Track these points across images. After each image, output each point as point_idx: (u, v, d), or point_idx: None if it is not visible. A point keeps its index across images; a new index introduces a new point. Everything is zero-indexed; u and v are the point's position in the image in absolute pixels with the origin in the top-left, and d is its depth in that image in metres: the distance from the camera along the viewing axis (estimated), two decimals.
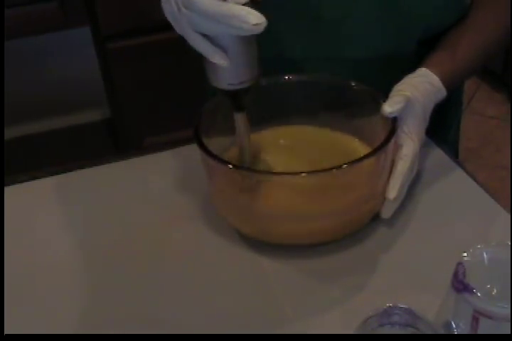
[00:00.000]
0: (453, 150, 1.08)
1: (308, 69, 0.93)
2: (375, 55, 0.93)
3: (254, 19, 0.63)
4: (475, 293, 0.60)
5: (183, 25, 0.68)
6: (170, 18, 0.70)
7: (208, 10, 0.64)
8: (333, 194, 0.78)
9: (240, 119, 0.78)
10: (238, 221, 0.82)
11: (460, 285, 0.61)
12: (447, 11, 0.91)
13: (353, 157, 0.76)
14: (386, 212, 0.81)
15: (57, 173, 0.96)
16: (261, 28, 0.64)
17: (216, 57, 0.68)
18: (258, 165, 0.85)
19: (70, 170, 0.96)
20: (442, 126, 1.02)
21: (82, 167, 0.97)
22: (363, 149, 0.85)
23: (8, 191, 0.92)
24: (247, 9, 0.64)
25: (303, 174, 0.75)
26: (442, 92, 0.86)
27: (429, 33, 0.92)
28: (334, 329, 0.70)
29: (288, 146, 0.89)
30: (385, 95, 0.81)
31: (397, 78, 0.84)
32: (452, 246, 0.71)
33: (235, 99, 0.76)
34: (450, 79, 0.87)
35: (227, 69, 0.71)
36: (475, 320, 0.61)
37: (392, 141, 0.77)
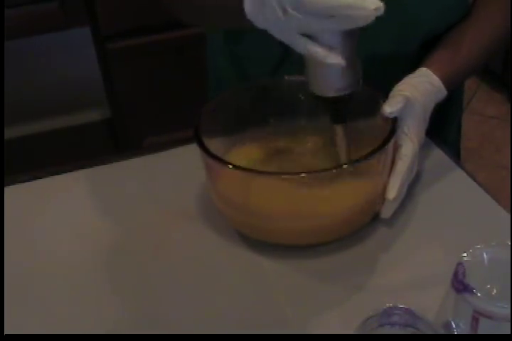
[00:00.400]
0: (454, 151, 1.08)
1: None
2: (376, 55, 0.93)
3: (373, 4, 0.61)
4: (475, 293, 0.60)
5: (287, 30, 0.65)
6: (270, 25, 0.66)
7: (324, 4, 0.61)
8: (333, 194, 0.78)
9: (340, 131, 0.76)
10: (238, 221, 0.82)
11: (460, 285, 0.61)
12: (450, 11, 0.91)
13: (353, 157, 0.76)
14: (386, 212, 0.81)
15: (57, 173, 0.96)
16: (381, 11, 0.61)
17: (331, 58, 0.65)
18: (260, 166, 0.85)
19: (70, 170, 0.96)
20: (442, 126, 1.02)
21: (82, 167, 0.97)
22: (362, 149, 0.85)
23: (8, 191, 0.92)
24: None
25: (303, 174, 0.75)
26: (443, 92, 0.86)
27: (431, 34, 0.92)
28: (334, 329, 0.70)
29: (288, 147, 0.89)
30: (386, 95, 0.81)
31: (398, 78, 0.84)
32: (452, 246, 0.71)
33: (340, 107, 0.73)
34: (450, 79, 0.87)
35: (335, 74, 0.68)
36: (475, 320, 0.61)
37: (392, 141, 0.77)
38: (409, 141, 0.80)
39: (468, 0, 0.91)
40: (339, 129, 0.76)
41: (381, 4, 0.62)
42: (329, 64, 0.66)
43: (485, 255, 0.64)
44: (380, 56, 0.93)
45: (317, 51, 0.65)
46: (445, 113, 1.00)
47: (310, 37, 0.65)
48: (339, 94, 0.70)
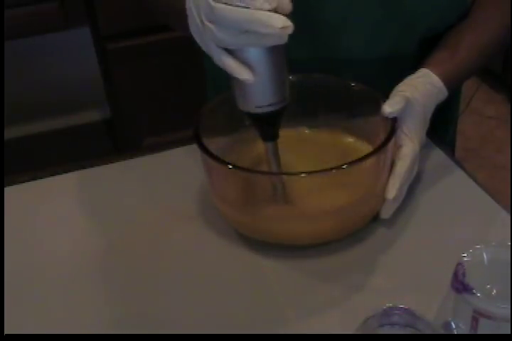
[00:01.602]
0: (450, 150, 1.08)
1: (308, 69, 0.93)
2: (376, 55, 0.93)
3: (279, 22, 0.60)
4: (475, 294, 0.60)
5: (207, 41, 0.66)
6: (193, 34, 0.67)
7: (232, 18, 0.61)
8: (333, 194, 0.78)
9: (270, 149, 0.74)
10: (238, 221, 0.82)
11: (460, 285, 0.61)
12: (449, 10, 0.91)
13: (353, 157, 0.76)
14: (385, 212, 0.81)
15: (57, 173, 0.96)
16: (288, 32, 0.61)
17: (241, 73, 0.65)
18: (260, 166, 0.85)
19: (70, 171, 0.96)
20: (440, 126, 1.02)
21: (82, 167, 0.97)
22: (363, 149, 0.85)
23: (8, 191, 0.92)
24: (272, 14, 0.61)
25: (303, 174, 0.75)
26: (443, 93, 0.86)
27: (430, 33, 0.92)
28: (334, 329, 0.70)
29: (288, 147, 0.89)
30: (386, 95, 0.81)
31: (398, 78, 0.84)
32: (452, 247, 0.71)
33: (264, 125, 0.72)
34: (451, 79, 0.87)
35: (254, 90, 0.67)
36: (475, 320, 0.61)
37: (392, 141, 0.77)
38: (410, 142, 0.80)
39: (466, 0, 0.91)
40: (268, 146, 0.74)
41: (289, 23, 0.61)
42: (239, 79, 0.65)
43: (485, 255, 0.64)
44: (380, 56, 0.93)
45: (229, 65, 0.65)
46: (444, 113, 1.00)
47: (230, 50, 0.65)
48: (261, 111, 0.68)
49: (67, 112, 2.21)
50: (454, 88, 0.89)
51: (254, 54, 0.65)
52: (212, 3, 0.62)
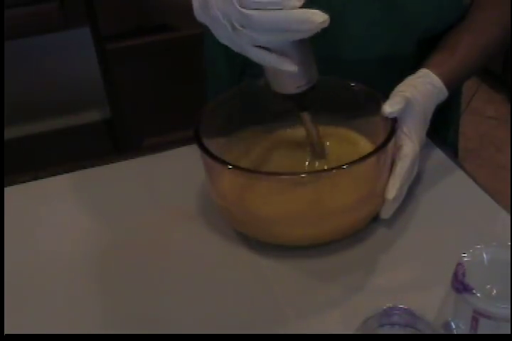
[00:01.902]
0: (452, 151, 1.08)
1: None
2: (375, 55, 0.93)
3: (320, 17, 0.64)
4: (475, 294, 0.60)
5: (241, 44, 0.67)
6: (225, 41, 0.69)
7: (271, 22, 0.64)
8: (333, 194, 0.78)
9: (306, 117, 0.80)
10: (238, 221, 0.82)
11: (460, 285, 0.61)
12: (447, 10, 0.91)
13: (354, 157, 0.76)
14: (386, 212, 0.81)
15: (57, 174, 0.96)
16: (327, 23, 0.65)
17: (285, 66, 0.69)
18: (260, 166, 0.85)
19: (70, 171, 0.96)
20: (441, 126, 1.02)
21: (82, 167, 0.97)
22: (365, 147, 0.85)
23: (9, 191, 0.92)
24: (308, 10, 0.64)
25: (303, 174, 0.75)
26: (444, 93, 0.86)
27: (429, 33, 0.92)
28: (334, 329, 0.70)
29: (288, 147, 0.89)
30: (385, 95, 0.81)
31: (397, 78, 0.84)
32: (452, 247, 0.71)
33: (301, 100, 0.77)
34: (451, 79, 0.87)
35: (293, 75, 0.72)
36: (475, 320, 0.61)
37: (392, 141, 0.77)
38: (410, 142, 0.80)
39: (465, 0, 0.91)
40: (306, 116, 0.80)
41: (327, 17, 0.65)
42: (284, 70, 0.69)
43: (485, 255, 0.64)
44: (378, 56, 0.93)
45: (271, 60, 0.69)
46: (444, 113, 1.00)
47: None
48: (299, 91, 0.75)
49: (68, 112, 2.21)
50: (454, 88, 0.89)
51: (291, 46, 0.69)
52: (245, 11, 0.64)
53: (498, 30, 0.92)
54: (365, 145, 0.86)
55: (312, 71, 0.75)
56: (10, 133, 2.13)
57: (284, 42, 0.68)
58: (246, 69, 1.00)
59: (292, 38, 0.67)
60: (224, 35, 0.68)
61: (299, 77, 0.74)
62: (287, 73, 0.71)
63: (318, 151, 0.85)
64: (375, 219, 0.82)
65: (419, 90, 0.83)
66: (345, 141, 0.88)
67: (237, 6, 0.64)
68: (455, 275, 0.62)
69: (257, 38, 0.66)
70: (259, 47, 0.68)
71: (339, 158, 0.81)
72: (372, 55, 0.93)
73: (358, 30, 0.90)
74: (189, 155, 0.91)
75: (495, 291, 0.63)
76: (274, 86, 0.76)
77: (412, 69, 0.87)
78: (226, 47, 0.97)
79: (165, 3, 1.81)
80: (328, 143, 0.87)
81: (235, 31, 0.66)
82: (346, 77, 0.86)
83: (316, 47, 0.92)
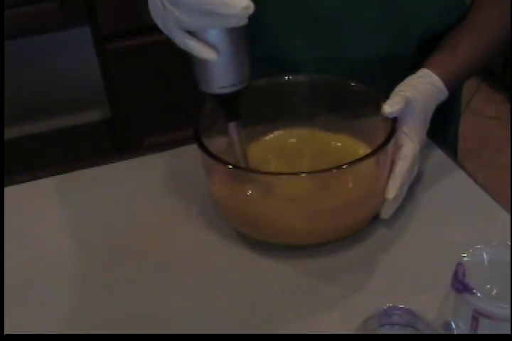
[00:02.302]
0: (452, 151, 1.08)
1: (308, 69, 0.93)
2: (375, 55, 0.93)
3: (242, 2, 0.62)
4: (475, 293, 0.60)
5: (168, 23, 0.67)
6: (155, 18, 0.69)
7: (194, 1, 0.63)
8: (333, 194, 0.78)
9: (233, 129, 0.76)
10: (238, 221, 0.82)
11: (460, 285, 0.61)
12: (448, 11, 0.91)
13: (353, 157, 0.76)
14: (385, 212, 0.81)
15: (57, 173, 0.96)
16: (250, 12, 0.63)
17: (205, 52, 0.67)
18: (260, 166, 0.85)
19: (70, 171, 0.96)
20: (441, 126, 1.02)
21: (82, 167, 0.97)
22: (362, 149, 0.85)
23: (8, 191, 0.92)
24: None
25: (303, 174, 0.75)
26: (444, 93, 0.86)
27: (429, 34, 0.92)
28: (334, 329, 0.70)
29: (288, 148, 0.89)
30: (385, 95, 0.81)
31: (398, 78, 0.84)
32: (452, 247, 0.71)
33: (227, 105, 0.74)
34: (451, 79, 0.87)
35: (217, 71, 0.69)
36: (475, 320, 0.61)
37: (392, 141, 0.77)
38: (410, 142, 0.80)
39: (466, 0, 0.91)
40: (231, 127, 0.75)
41: (250, 3, 0.63)
42: (202, 58, 0.67)
43: (485, 255, 0.64)
44: (379, 56, 0.93)
45: (193, 46, 0.67)
46: (444, 113, 1.00)
47: (191, 32, 0.67)
48: (225, 92, 0.70)
49: (68, 112, 2.21)
50: (454, 88, 0.89)
51: (216, 35, 0.67)
52: None
53: (498, 30, 0.92)
54: (363, 145, 0.86)
55: (242, 73, 0.70)
56: (10, 133, 2.14)
57: (212, 32, 0.66)
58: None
59: (216, 25, 0.65)
60: (156, 14, 0.68)
61: (224, 76, 0.69)
62: (211, 67, 0.68)
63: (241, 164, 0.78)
64: (375, 219, 0.82)
65: (420, 90, 0.83)
66: (344, 148, 0.88)
67: None
68: (455, 275, 0.62)
69: (182, 18, 0.65)
70: (187, 32, 0.66)
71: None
72: (373, 56, 0.93)
73: (358, 30, 0.90)
74: (189, 155, 0.91)
75: (495, 291, 0.63)
76: (199, 82, 0.71)
77: (413, 69, 0.87)
78: None
79: None
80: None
81: (164, 10, 0.66)
82: (346, 77, 0.86)
83: (316, 48, 0.93)
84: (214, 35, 0.67)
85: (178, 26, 0.66)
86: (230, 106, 0.74)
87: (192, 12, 0.64)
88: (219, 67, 0.69)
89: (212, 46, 0.67)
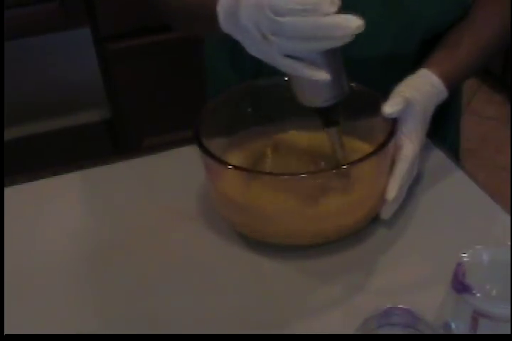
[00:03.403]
0: (453, 152, 1.08)
1: None
2: (376, 54, 0.93)
3: (354, 22, 0.62)
4: (474, 294, 0.60)
5: (271, 53, 0.66)
6: (253, 50, 0.68)
7: (305, 29, 0.62)
8: (333, 195, 0.78)
9: (335, 133, 0.77)
10: (238, 221, 0.82)
11: (460, 285, 0.61)
12: (449, 10, 0.91)
13: (353, 158, 0.76)
14: (385, 213, 0.81)
15: (57, 173, 0.96)
16: (361, 30, 0.63)
17: (317, 75, 0.66)
18: (260, 166, 0.85)
19: (70, 171, 0.96)
20: (441, 127, 1.02)
21: (82, 167, 0.97)
22: (362, 150, 0.85)
23: (8, 191, 0.92)
24: (342, 16, 0.62)
25: (303, 175, 0.75)
26: (443, 93, 0.86)
27: (430, 33, 0.92)
28: (334, 329, 0.70)
29: (288, 147, 0.89)
30: (386, 96, 0.81)
31: (398, 78, 0.84)
32: (452, 247, 0.71)
33: (330, 114, 0.75)
34: (451, 79, 0.87)
35: (322, 86, 0.70)
36: (474, 320, 0.61)
37: (392, 141, 0.77)
38: (410, 142, 0.80)
39: (467, 0, 0.91)
40: (333, 132, 0.77)
41: (362, 22, 0.63)
42: (316, 80, 0.67)
43: (485, 255, 0.64)
44: (380, 56, 0.93)
45: (302, 70, 0.66)
46: (444, 114, 1.00)
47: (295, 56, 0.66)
48: (327, 104, 0.72)
49: (67, 112, 2.20)
50: (454, 88, 0.89)
51: (322, 56, 0.67)
52: (278, 19, 0.62)
53: (498, 29, 0.92)
54: (363, 146, 0.86)
55: (342, 84, 0.72)
56: (10, 133, 2.13)
57: (315, 52, 0.66)
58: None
59: (327, 46, 0.65)
60: (253, 45, 0.67)
61: (328, 90, 0.71)
62: (316, 84, 0.69)
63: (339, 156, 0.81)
64: (375, 219, 0.82)
65: (419, 90, 0.83)
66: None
67: (270, 14, 0.62)
68: (455, 275, 0.62)
69: (289, 46, 0.64)
70: (290, 57, 0.66)
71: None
72: (374, 55, 0.93)
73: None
74: (189, 155, 0.91)
75: (495, 291, 0.63)
76: (301, 98, 0.73)
77: (413, 69, 0.87)
78: (232, 50, 0.97)
79: None
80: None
81: (265, 41, 0.65)
82: (348, 77, 0.86)
83: None
84: (317, 55, 0.66)
85: (282, 54, 0.65)
86: (332, 114, 0.75)
87: (299, 39, 0.63)
88: (324, 83, 0.69)
89: (318, 66, 0.67)
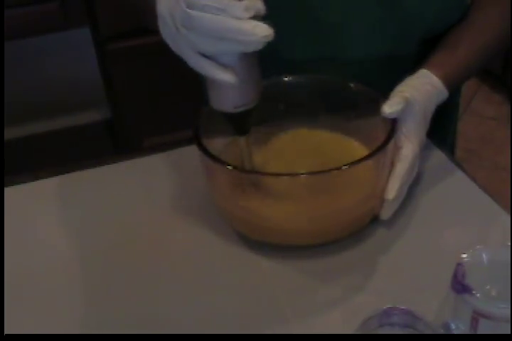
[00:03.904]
0: (450, 151, 1.08)
1: (308, 70, 0.93)
2: (375, 55, 0.93)
3: (263, 31, 0.61)
4: (474, 294, 0.60)
5: (182, 47, 0.65)
6: (168, 41, 0.67)
7: (211, 27, 0.61)
8: (333, 195, 0.78)
9: (243, 142, 0.77)
10: (238, 221, 0.82)
11: (459, 286, 0.61)
12: (448, 11, 0.91)
13: (353, 158, 0.76)
14: (385, 213, 0.81)
15: (57, 174, 0.96)
16: (268, 39, 0.61)
17: (223, 76, 0.65)
18: (260, 167, 0.85)
19: (70, 171, 0.96)
20: (441, 127, 1.02)
21: (82, 167, 0.97)
22: (362, 150, 0.85)
23: (8, 191, 0.92)
24: (253, 22, 0.61)
25: (302, 175, 0.75)
26: (444, 93, 0.86)
27: (429, 34, 0.92)
28: (334, 330, 0.71)
29: (287, 148, 0.89)
30: (385, 96, 0.81)
31: (398, 79, 0.84)
32: (452, 247, 0.71)
33: (239, 122, 0.74)
34: (451, 79, 0.87)
35: (232, 91, 0.68)
36: (474, 320, 0.61)
37: (392, 142, 0.77)
38: (409, 143, 0.80)
39: (466, 0, 0.91)
40: (241, 140, 0.77)
41: (271, 32, 0.61)
42: (221, 81, 0.66)
43: (485, 256, 0.64)
44: (379, 57, 0.93)
45: (209, 69, 0.65)
46: (444, 114, 1.00)
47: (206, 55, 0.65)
48: (237, 111, 0.71)
49: (67, 112, 2.20)
50: (454, 88, 0.89)
51: (232, 57, 0.65)
52: (189, 11, 0.62)
53: (498, 29, 0.92)
54: (363, 146, 0.86)
55: (254, 92, 0.70)
56: (10, 133, 2.13)
57: (227, 54, 0.65)
58: None
59: (234, 49, 0.64)
60: (168, 35, 0.67)
61: (238, 96, 0.69)
62: (226, 88, 0.68)
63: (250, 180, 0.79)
64: (374, 219, 0.82)
65: (419, 91, 0.83)
66: (340, 147, 0.88)
67: (183, 6, 0.62)
68: (455, 275, 0.62)
69: (198, 43, 0.63)
70: (201, 55, 0.65)
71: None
72: (373, 56, 0.93)
73: (358, 30, 0.90)
74: (189, 155, 0.91)
75: (495, 292, 0.63)
76: (212, 101, 0.71)
77: (413, 69, 0.87)
78: None
79: None
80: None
81: (178, 33, 0.64)
82: (347, 77, 0.86)
83: (316, 48, 0.93)
84: (229, 57, 0.65)
85: (192, 49, 0.65)
86: (241, 122, 0.74)
87: (208, 37, 0.63)
88: (234, 88, 0.68)
89: (227, 68, 0.65)
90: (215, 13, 0.61)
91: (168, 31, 0.66)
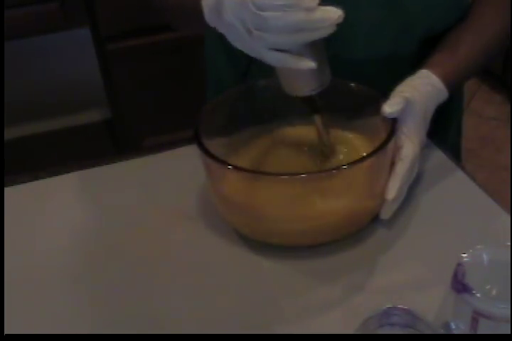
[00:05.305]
0: (454, 152, 1.08)
1: None
2: (376, 55, 0.93)
3: (334, 13, 0.65)
4: (474, 294, 0.60)
5: (256, 48, 0.67)
6: (237, 44, 0.69)
7: (286, 24, 0.64)
8: (333, 194, 0.78)
9: (318, 120, 0.81)
10: (238, 221, 0.82)
11: (460, 285, 0.61)
12: (448, 10, 0.91)
13: (353, 158, 0.76)
14: (385, 213, 0.81)
15: (57, 173, 0.96)
16: (340, 20, 0.65)
17: (301, 64, 0.69)
18: (260, 166, 0.85)
19: (70, 171, 0.96)
20: (442, 127, 1.02)
21: (82, 167, 0.97)
22: (362, 150, 0.85)
23: (9, 191, 0.92)
24: (323, 8, 0.64)
25: (303, 175, 0.75)
26: (444, 93, 0.86)
27: (430, 33, 0.92)
28: (334, 330, 0.70)
29: (288, 147, 0.89)
30: (386, 96, 0.81)
31: (398, 78, 0.84)
32: (452, 247, 0.71)
33: (315, 102, 0.77)
34: (451, 80, 0.87)
35: (309, 76, 0.72)
36: (474, 320, 0.61)
37: (392, 141, 0.77)
38: (410, 142, 0.80)
39: (466, 0, 0.91)
40: (318, 118, 0.81)
41: (341, 12, 0.65)
42: (302, 69, 0.69)
43: (485, 256, 0.64)
44: (380, 57, 0.93)
45: (288, 61, 0.68)
46: (445, 114, 1.00)
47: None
48: (312, 93, 0.75)
49: (68, 112, 2.20)
50: (454, 89, 0.89)
51: (307, 47, 0.69)
52: (262, 14, 0.64)
53: (499, 29, 0.92)
54: (363, 146, 0.86)
55: (326, 73, 0.74)
56: (10, 133, 2.13)
57: (299, 44, 0.68)
58: (252, 69, 1.00)
59: (310, 39, 0.67)
60: (238, 40, 0.69)
61: (314, 79, 0.73)
62: (302, 74, 0.71)
63: (327, 153, 0.84)
64: (375, 219, 0.82)
65: (419, 91, 0.83)
66: (343, 143, 0.88)
67: (254, 9, 0.64)
68: (455, 275, 0.62)
69: (273, 40, 0.66)
70: (275, 50, 0.67)
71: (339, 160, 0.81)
72: (374, 55, 0.93)
73: (359, 30, 0.90)
74: (189, 155, 0.91)
75: (495, 291, 0.63)
76: (288, 88, 0.76)
77: (414, 69, 0.87)
78: (229, 49, 0.98)
79: None
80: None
81: (250, 35, 0.66)
82: (347, 77, 0.86)
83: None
84: (303, 47, 0.69)
85: (267, 47, 0.67)
86: (316, 102, 0.78)
87: (283, 33, 0.65)
88: (311, 73, 0.72)
89: (302, 56, 0.69)
90: (286, 10, 0.64)
91: (238, 36, 0.68)
